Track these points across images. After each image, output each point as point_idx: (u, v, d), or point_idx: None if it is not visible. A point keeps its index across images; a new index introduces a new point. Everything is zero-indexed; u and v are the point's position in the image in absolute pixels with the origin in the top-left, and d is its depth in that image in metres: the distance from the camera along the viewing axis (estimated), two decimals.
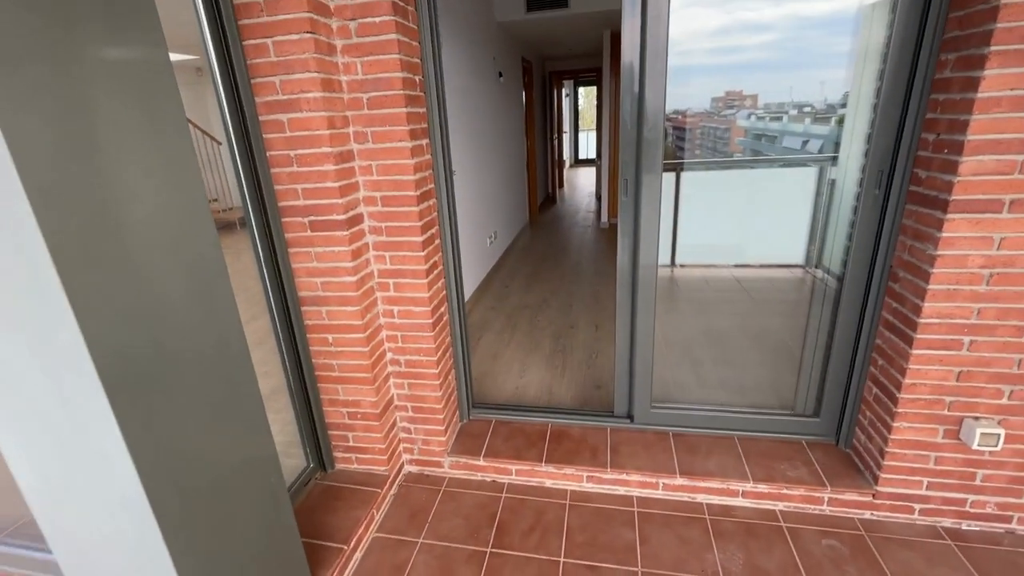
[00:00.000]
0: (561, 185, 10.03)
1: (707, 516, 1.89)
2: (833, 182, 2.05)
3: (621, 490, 2.02)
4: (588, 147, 15.42)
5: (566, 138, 12.05)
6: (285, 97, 1.60)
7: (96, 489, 1.01)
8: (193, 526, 1.10)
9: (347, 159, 1.73)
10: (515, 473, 2.12)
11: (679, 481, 1.95)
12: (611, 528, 1.86)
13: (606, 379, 2.74)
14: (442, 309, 2.08)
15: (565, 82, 10.95)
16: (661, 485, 1.98)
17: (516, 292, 4.30)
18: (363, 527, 1.85)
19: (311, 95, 1.58)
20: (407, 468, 2.23)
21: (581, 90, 14.73)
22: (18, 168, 0.77)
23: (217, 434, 1.17)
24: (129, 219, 0.96)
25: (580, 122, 14.51)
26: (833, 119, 2.09)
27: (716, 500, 1.95)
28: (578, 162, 14.47)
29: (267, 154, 1.68)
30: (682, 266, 2.58)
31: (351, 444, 2.08)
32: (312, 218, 1.73)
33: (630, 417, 2.24)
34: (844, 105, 1.85)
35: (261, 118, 1.64)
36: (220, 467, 1.19)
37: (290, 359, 1.91)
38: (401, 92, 1.66)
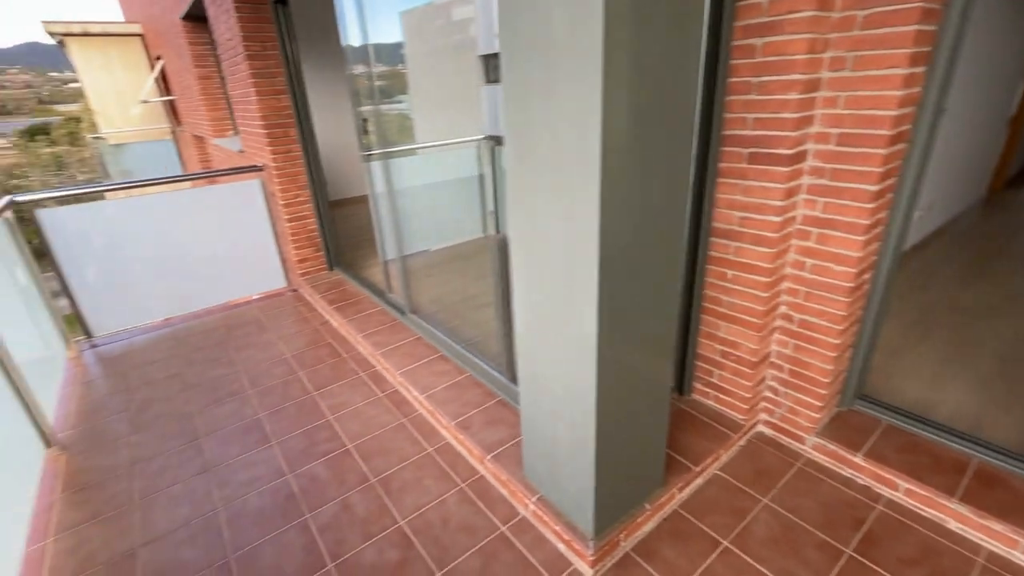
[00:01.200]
0: None
1: None
2: None
3: None
4: None
5: None
6: (768, 19, 1.54)
7: (566, 337, 1.33)
8: (615, 383, 1.35)
9: (812, 88, 1.58)
10: (903, 492, 1.74)
11: None
12: None
13: None
14: (866, 276, 1.78)
15: None
16: None
17: (942, 283, 3.29)
18: (711, 459, 1.90)
19: (799, 15, 1.47)
20: (760, 428, 2.14)
21: None
22: (603, 102, 1.00)
23: (647, 314, 1.37)
24: (638, 136, 1.14)
25: None
26: None
27: None
28: None
29: (727, 81, 1.69)
30: None
31: (714, 381, 2.12)
32: (754, 150, 1.69)
33: None
34: None
35: (733, 43, 1.65)
36: (641, 342, 1.40)
37: (683, 284, 2.03)
38: (917, 4, 1.36)
